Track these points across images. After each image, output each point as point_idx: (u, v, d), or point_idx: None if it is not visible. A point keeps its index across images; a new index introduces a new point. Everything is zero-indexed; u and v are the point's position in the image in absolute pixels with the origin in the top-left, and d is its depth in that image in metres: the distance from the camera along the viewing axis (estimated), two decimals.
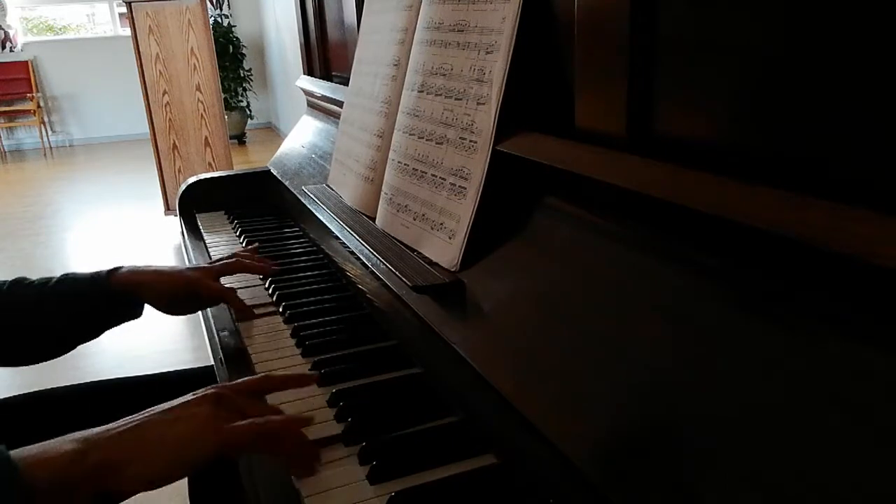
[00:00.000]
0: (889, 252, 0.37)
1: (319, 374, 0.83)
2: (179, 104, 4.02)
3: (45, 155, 7.48)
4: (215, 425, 0.60)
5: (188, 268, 1.05)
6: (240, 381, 0.70)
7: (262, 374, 0.81)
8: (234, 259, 1.08)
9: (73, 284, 0.95)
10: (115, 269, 0.97)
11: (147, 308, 1.01)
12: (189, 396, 0.64)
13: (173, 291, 0.99)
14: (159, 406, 0.63)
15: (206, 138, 4.11)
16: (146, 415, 0.61)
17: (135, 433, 0.59)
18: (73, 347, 0.98)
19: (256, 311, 1.03)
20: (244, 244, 1.36)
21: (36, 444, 0.56)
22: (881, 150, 0.43)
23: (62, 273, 0.98)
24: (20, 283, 0.94)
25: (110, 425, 0.60)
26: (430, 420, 0.72)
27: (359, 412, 0.73)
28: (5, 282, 0.94)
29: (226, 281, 1.16)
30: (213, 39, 4.07)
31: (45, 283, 0.95)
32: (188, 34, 3.92)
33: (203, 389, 0.65)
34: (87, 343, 0.99)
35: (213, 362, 0.98)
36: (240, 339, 0.97)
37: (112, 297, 0.95)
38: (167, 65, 3.94)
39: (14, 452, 0.55)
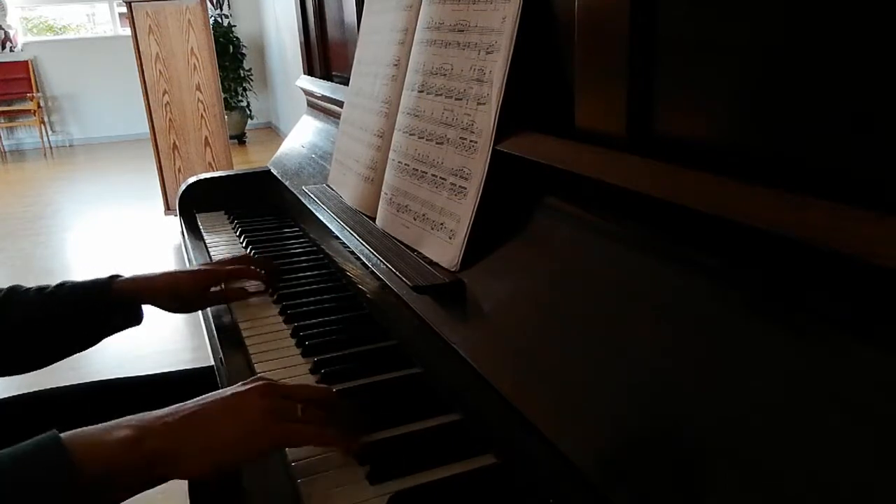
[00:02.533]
0: (889, 252, 0.37)
1: (320, 375, 0.83)
2: (179, 104, 4.02)
3: (45, 155, 7.48)
4: (271, 422, 0.61)
5: (187, 269, 1.07)
6: (303, 385, 0.72)
7: (328, 387, 0.78)
8: (234, 267, 1.09)
9: (71, 291, 0.95)
10: (115, 276, 0.98)
11: (148, 308, 1.01)
12: (248, 386, 0.64)
13: (174, 289, 1.01)
14: (217, 394, 0.63)
15: (206, 138, 4.11)
16: (202, 403, 0.61)
17: (192, 423, 0.59)
18: (70, 355, 0.98)
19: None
20: (244, 244, 1.36)
21: (89, 428, 0.56)
22: (881, 149, 0.43)
23: (60, 279, 0.98)
24: (16, 291, 0.94)
25: (165, 411, 0.60)
26: (430, 420, 0.72)
27: (359, 412, 0.73)
28: (1, 289, 0.93)
29: None
30: (213, 39, 4.07)
31: (42, 290, 0.94)
32: (188, 34, 3.93)
33: (264, 382, 0.66)
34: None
35: (213, 362, 0.98)
36: (240, 339, 0.97)
37: (112, 303, 0.96)
38: (167, 65, 3.94)
39: (66, 436, 0.54)
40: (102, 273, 1.01)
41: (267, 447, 0.61)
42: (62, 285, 0.96)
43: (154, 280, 1.01)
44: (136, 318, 1.01)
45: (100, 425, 0.56)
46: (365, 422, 0.71)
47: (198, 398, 0.63)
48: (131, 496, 0.56)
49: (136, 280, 0.99)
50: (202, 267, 1.11)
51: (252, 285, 1.10)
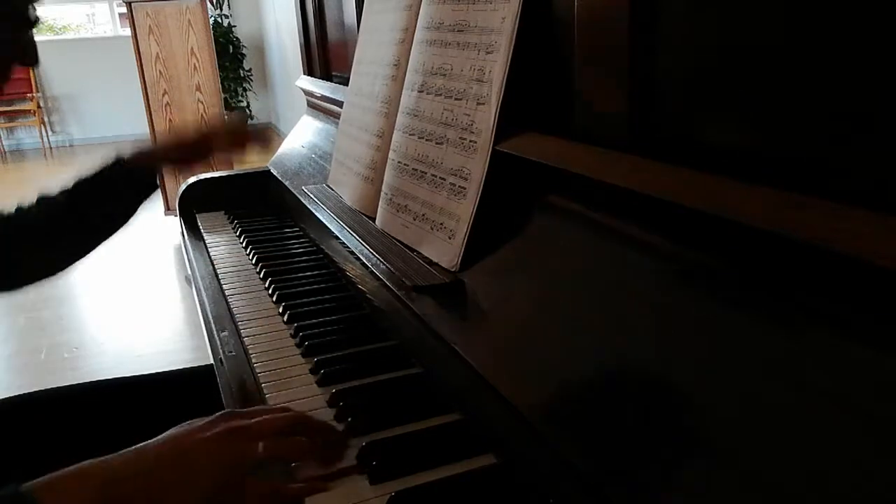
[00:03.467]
0: (889, 252, 0.37)
1: (320, 375, 0.83)
2: (179, 104, 4.02)
3: (45, 155, 7.47)
4: (237, 482, 0.58)
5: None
6: (269, 416, 0.64)
7: (295, 412, 0.68)
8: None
9: (92, 179, 1.04)
10: (120, 157, 1.08)
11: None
12: (210, 421, 0.61)
13: (181, 145, 1.13)
14: (179, 431, 0.60)
15: None
16: (167, 446, 0.59)
17: (157, 475, 0.57)
18: (111, 235, 1.08)
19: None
20: (244, 244, 1.36)
21: (56, 476, 0.55)
22: (881, 150, 0.43)
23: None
24: (44, 199, 1.02)
25: (130, 456, 0.58)
26: (429, 420, 0.72)
27: (359, 412, 0.73)
28: (31, 203, 1.01)
29: (226, 282, 1.17)
30: (213, 39, 4.07)
31: (65, 189, 1.03)
32: (188, 34, 3.92)
33: (227, 416, 0.62)
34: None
35: (212, 362, 0.98)
36: (240, 338, 0.97)
37: (129, 174, 1.07)
38: (167, 65, 3.94)
39: (36, 487, 0.53)
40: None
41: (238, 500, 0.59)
42: (78, 180, 1.05)
43: (154, 151, 1.13)
44: (153, 184, 1.12)
45: (67, 471, 0.55)
46: (362, 423, 0.71)
47: (163, 438, 0.60)
48: None
49: (137, 155, 1.10)
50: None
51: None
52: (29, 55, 0.83)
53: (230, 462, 0.59)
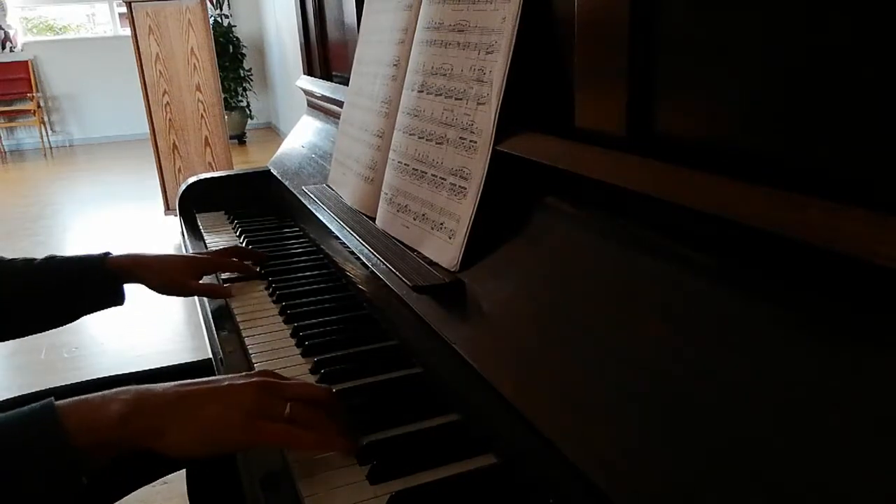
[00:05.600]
0: (889, 252, 0.37)
1: (320, 375, 0.83)
2: (179, 104, 4.02)
3: (45, 155, 7.48)
4: (250, 420, 0.63)
5: (181, 255, 1.13)
6: (299, 382, 0.72)
7: (326, 386, 0.78)
8: (228, 259, 1.15)
9: (61, 266, 0.98)
10: (107, 253, 1.01)
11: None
12: (243, 377, 0.67)
13: (165, 271, 1.05)
14: (212, 380, 0.66)
15: (206, 138, 4.11)
16: (200, 386, 0.64)
17: (181, 404, 0.62)
18: (46, 330, 1.01)
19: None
20: (244, 244, 1.36)
21: (85, 398, 0.60)
22: (881, 150, 0.43)
23: (42, 258, 0.99)
24: (1, 261, 0.96)
25: (159, 387, 0.63)
26: (430, 420, 0.72)
27: (359, 412, 0.73)
28: None
29: (226, 281, 1.17)
30: (213, 39, 4.07)
31: (30, 262, 0.97)
32: (188, 34, 3.92)
33: (259, 374, 0.68)
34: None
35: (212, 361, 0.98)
36: (240, 339, 0.97)
37: (101, 280, 0.99)
38: (167, 65, 3.94)
39: (63, 408, 0.58)
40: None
41: (241, 443, 0.64)
42: (52, 258, 0.98)
43: (146, 260, 1.05)
44: (119, 298, 1.04)
45: (97, 395, 0.61)
46: (362, 423, 0.71)
47: (202, 379, 0.66)
48: (114, 456, 0.60)
49: (129, 258, 1.03)
50: (196, 255, 1.15)
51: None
52: None
53: (254, 407, 0.63)
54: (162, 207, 4.24)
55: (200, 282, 1.11)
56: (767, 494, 0.39)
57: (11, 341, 0.99)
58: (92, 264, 0.99)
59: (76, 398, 0.60)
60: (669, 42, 0.59)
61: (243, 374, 0.69)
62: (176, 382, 0.64)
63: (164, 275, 1.05)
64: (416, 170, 0.89)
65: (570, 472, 0.52)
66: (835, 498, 0.36)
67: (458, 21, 0.84)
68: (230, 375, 0.68)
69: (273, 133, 7.83)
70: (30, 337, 1.01)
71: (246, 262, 1.18)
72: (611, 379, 0.53)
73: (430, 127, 0.87)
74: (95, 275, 0.99)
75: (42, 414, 0.58)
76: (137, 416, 0.60)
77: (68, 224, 4.71)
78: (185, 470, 1.10)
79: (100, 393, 0.61)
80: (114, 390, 0.61)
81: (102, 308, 1.02)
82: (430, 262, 0.82)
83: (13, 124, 7.77)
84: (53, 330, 1.03)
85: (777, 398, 0.42)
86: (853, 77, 0.44)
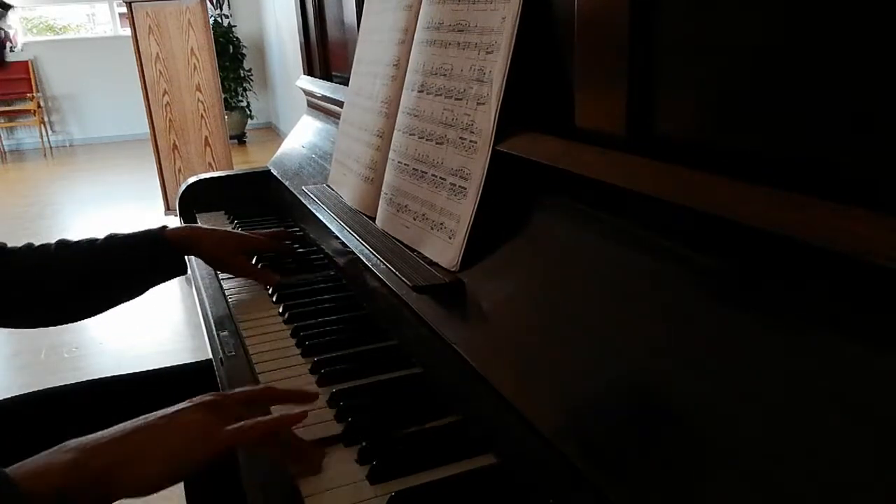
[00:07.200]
0: (889, 252, 0.37)
1: (320, 375, 0.83)
2: (179, 104, 4.01)
3: (45, 155, 7.48)
4: (208, 431, 0.61)
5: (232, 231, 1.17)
6: (239, 389, 0.71)
7: (264, 384, 0.81)
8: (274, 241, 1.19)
9: (124, 242, 1.02)
10: (165, 227, 1.05)
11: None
12: (185, 403, 0.64)
13: (219, 244, 1.08)
14: (156, 413, 0.63)
15: (206, 138, 4.11)
16: (142, 421, 0.62)
17: (130, 438, 0.60)
18: (115, 306, 1.04)
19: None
20: None
21: (32, 458, 0.56)
22: (881, 150, 0.43)
23: (102, 238, 1.02)
24: (66, 245, 0.99)
25: (105, 432, 0.60)
26: (429, 420, 0.72)
27: (359, 412, 0.73)
28: (50, 244, 0.99)
29: (226, 282, 1.17)
30: (213, 39, 4.06)
31: (93, 242, 1.00)
32: (188, 34, 3.92)
33: (200, 396, 0.66)
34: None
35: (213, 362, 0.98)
36: (240, 339, 0.97)
37: (167, 252, 1.03)
38: (167, 65, 3.93)
39: (11, 469, 0.55)
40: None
41: (205, 457, 0.61)
42: (112, 237, 1.02)
43: (203, 232, 1.09)
44: (184, 268, 1.08)
45: (45, 453, 0.57)
46: (361, 423, 0.71)
47: (143, 416, 0.63)
48: None
49: (186, 229, 1.08)
50: (248, 233, 1.18)
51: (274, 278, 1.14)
52: None
53: (208, 419, 0.62)
54: (162, 207, 4.23)
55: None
56: (768, 495, 0.39)
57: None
58: (155, 238, 1.03)
59: (21, 463, 0.56)
60: (669, 42, 0.59)
61: (185, 401, 0.66)
62: (118, 425, 0.61)
63: (220, 248, 1.08)
64: (416, 170, 0.89)
65: (569, 472, 0.52)
66: (835, 498, 0.36)
67: (458, 21, 0.84)
68: (172, 407, 0.65)
69: (273, 133, 7.83)
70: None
71: (288, 244, 1.22)
72: (610, 378, 0.53)
73: (430, 127, 0.87)
74: (162, 247, 1.03)
75: None
76: (90, 458, 0.57)
77: (68, 224, 4.71)
78: None
79: (44, 452, 0.58)
80: (57, 447, 0.58)
81: (170, 278, 1.06)
82: (430, 262, 0.82)
83: (13, 124, 7.76)
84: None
85: (776, 398, 0.42)
86: (853, 77, 0.44)
